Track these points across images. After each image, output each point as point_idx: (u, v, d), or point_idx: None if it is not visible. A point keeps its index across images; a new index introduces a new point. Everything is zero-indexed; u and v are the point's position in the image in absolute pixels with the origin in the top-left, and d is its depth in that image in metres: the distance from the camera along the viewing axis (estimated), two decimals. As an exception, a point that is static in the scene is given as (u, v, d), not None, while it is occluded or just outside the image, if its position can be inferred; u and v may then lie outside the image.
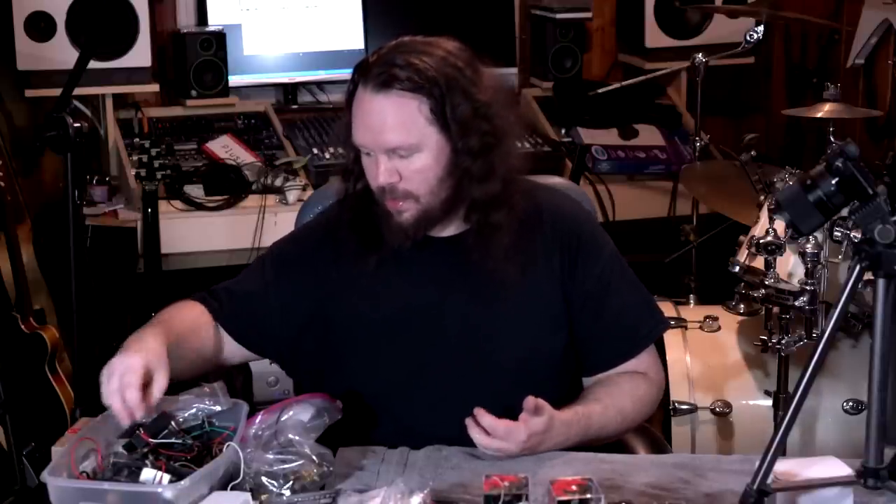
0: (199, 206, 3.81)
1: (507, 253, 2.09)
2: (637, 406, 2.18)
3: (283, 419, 1.89)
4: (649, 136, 4.37)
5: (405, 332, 2.13)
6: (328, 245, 2.19)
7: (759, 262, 2.96)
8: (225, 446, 1.83)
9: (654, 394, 2.23)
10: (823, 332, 1.75)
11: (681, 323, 3.22)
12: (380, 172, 2.03)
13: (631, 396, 2.17)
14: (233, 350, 2.20)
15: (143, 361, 1.89)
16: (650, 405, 2.23)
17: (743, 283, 3.11)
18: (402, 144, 2.01)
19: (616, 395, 2.16)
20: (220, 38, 4.13)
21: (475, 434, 1.96)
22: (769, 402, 3.01)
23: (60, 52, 3.88)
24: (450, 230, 2.15)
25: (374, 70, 2.02)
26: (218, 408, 1.92)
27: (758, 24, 3.74)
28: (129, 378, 1.86)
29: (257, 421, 1.89)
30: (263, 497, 1.79)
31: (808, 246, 2.82)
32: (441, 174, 2.04)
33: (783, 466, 1.77)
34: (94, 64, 3.56)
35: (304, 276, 2.18)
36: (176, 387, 1.98)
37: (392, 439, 2.08)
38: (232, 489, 1.78)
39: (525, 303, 2.14)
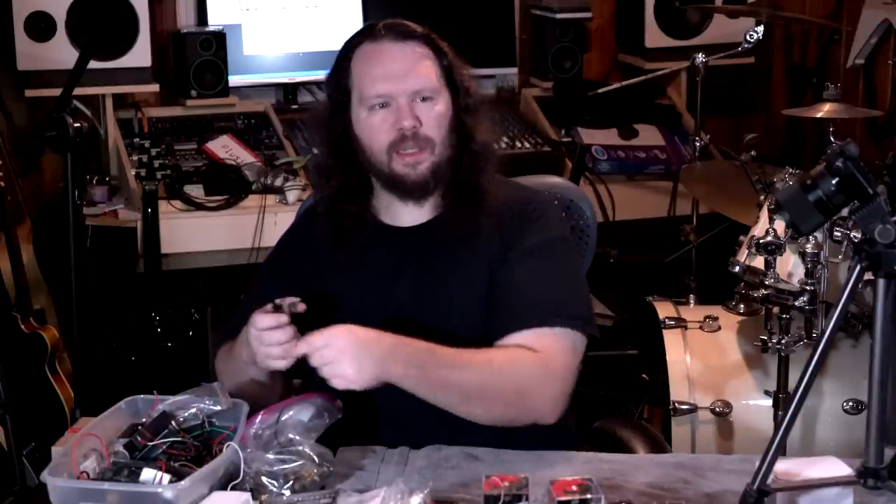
0: (199, 206, 3.81)
1: (478, 223, 2.14)
2: (514, 369, 2.01)
3: (283, 419, 1.89)
4: (649, 136, 4.37)
5: (374, 323, 2.05)
6: (306, 241, 2.25)
7: (759, 262, 2.96)
8: (225, 446, 1.83)
9: (540, 370, 2.03)
10: (823, 332, 1.75)
11: (681, 323, 3.22)
12: (404, 114, 2.10)
13: (507, 354, 2.03)
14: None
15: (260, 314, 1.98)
16: (535, 380, 2.02)
17: (743, 283, 3.11)
18: (427, 86, 2.12)
19: (489, 349, 2.05)
20: (220, 38, 4.13)
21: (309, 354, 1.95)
22: (769, 402, 3.01)
23: (60, 52, 3.89)
24: (420, 215, 2.18)
25: (384, 27, 2.14)
26: (218, 408, 1.92)
27: (758, 24, 3.74)
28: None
29: (257, 421, 1.89)
30: (263, 497, 1.79)
31: (808, 246, 2.82)
32: (449, 126, 2.15)
33: (783, 466, 1.77)
34: (94, 64, 3.56)
35: (292, 276, 2.22)
36: (176, 387, 1.99)
37: (397, 430, 2.09)
38: (232, 489, 1.79)
39: (464, 285, 2.14)
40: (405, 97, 2.10)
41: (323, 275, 2.20)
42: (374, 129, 2.12)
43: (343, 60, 2.16)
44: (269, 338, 1.96)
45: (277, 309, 1.99)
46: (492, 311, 2.10)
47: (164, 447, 1.82)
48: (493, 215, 2.16)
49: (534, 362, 2.03)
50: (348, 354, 1.92)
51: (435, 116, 2.12)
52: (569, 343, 2.08)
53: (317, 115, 2.23)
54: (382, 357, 1.95)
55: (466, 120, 2.17)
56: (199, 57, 4.10)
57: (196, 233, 3.79)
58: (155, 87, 4.09)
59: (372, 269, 2.18)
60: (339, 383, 1.93)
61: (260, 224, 3.77)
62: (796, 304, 2.84)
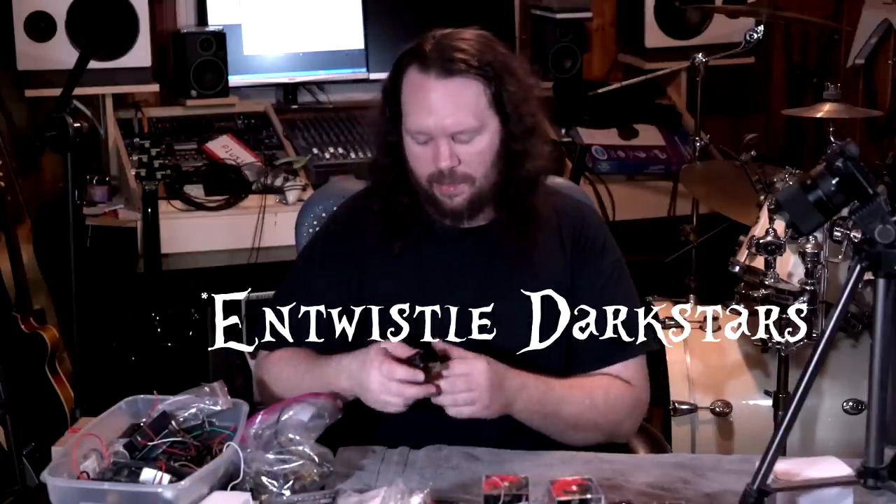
0: (199, 206, 3.81)
1: (535, 239, 2.15)
2: (610, 404, 2.14)
3: (283, 419, 1.89)
4: (649, 136, 4.37)
5: (420, 318, 2.14)
6: (356, 231, 2.23)
7: (759, 262, 2.96)
8: (225, 446, 1.83)
9: (632, 402, 2.18)
10: (823, 332, 1.75)
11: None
12: (442, 157, 2.07)
13: (604, 390, 2.14)
14: None
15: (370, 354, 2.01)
16: (627, 412, 2.18)
17: (743, 283, 3.11)
18: (467, 128, 2.08)
19: (588, 381, 2.15)
20: (220, 38, 4.13)
21: (447, 382, 1.97)
22: (769, 402, 3.01)
23: (60, 52, 3.88)
24: (476, 220, 2.18)
25: (432, 56, 2.08)
26: (218, 408, 1.92)
27: (758, 24, 3.74)
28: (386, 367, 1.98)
29: (257, 421, 1.89)
30: (263, 497, 1.79)
31: (808, 246, 2.82)
32: (495, 157, 2.11)
33: (783, 466, 1.77)
34: (94, 64, 3.56)
35: (340, 268, 2.22)
36: (176, 387, 1.98)
37: (397, 430, 2.09)
38: (232, 489, 1.79)
39: (527, 286, 2.16)
40: (444, 137, 2.07)
41: (373, 264, 2.20)
42: (417, 159, 2.13)
43: (396, 75, 2.13)
44: (398, 389, 1.97)
45: (413, 360, 1.98)
46: (576, 336, 2.17)
47: (164, 447, 1.83)
48: (546, 223, 2.19)
49: (629, 399, 2.17)
50: (485, 390, 1.97)
51: (477, 153, 2.09)
52: (645, 365, 2.22)
53: (373, 116, 2.20)
54: (513, 394, 2.03)
55: (516, 147, 2.12)
56: (199, 57, 4.09)
57: (196, 233, 3.79)
58: (155, 87, 4.09)
59: (430, 261, 2.18)
60: (465, 413, 1.98)
61: (260, 224, 3.77)
62: (796, 304, 2.84)
